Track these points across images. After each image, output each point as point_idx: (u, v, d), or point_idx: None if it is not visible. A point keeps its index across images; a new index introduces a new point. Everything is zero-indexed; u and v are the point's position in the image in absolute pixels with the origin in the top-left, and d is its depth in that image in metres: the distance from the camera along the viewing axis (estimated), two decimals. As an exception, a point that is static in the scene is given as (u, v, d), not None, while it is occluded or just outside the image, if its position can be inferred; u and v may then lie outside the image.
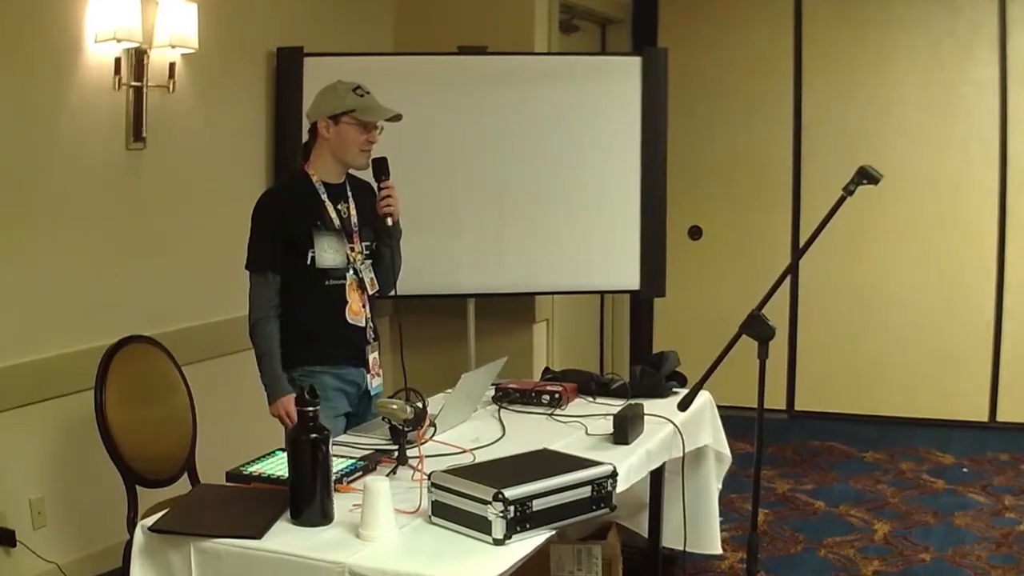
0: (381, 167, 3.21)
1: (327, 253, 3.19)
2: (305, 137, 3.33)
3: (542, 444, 2.70)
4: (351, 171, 3.30)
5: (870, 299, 6.24)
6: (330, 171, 3.24)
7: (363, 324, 3.28)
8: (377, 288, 3.34)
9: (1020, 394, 6.01)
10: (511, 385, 3.38)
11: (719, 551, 3.74)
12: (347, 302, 3.24)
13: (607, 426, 2.99)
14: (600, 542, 3.45)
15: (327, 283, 3.20)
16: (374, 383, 3.33)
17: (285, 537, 2.21)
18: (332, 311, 3.22)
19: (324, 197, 3.21)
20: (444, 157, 4.81)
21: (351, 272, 3.24)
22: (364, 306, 3.29)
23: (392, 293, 3.40)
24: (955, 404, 6.10)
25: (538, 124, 4.87)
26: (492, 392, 3.37)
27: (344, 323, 3.24)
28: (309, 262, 3.17)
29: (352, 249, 3.24)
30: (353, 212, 3.27)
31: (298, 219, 3.17)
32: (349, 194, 3.29)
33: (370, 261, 3.32)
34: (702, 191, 6.42)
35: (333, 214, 3.21)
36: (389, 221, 3.23)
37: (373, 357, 3.32)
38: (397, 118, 3.21)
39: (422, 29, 5.46)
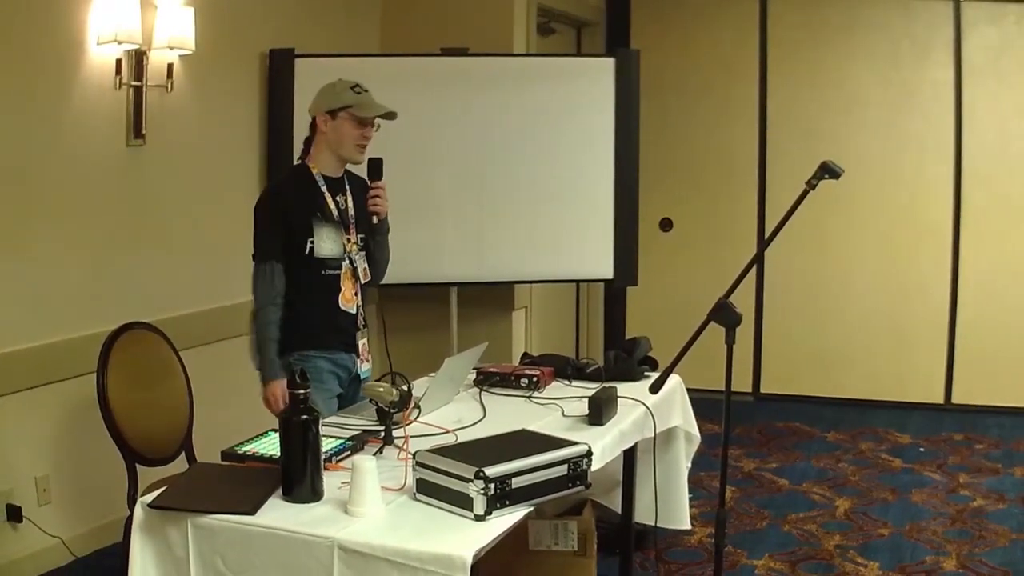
0: (376, 168, 3.27)
1: (325, 243, 3.22)
2: (299, 133, 3.38)
3: (521, 425, 2.73)
4: (348, 166, 3.35)
5: (832, 287, 6.33)
6: (329, 164, 3.28)
7: (354, 311, 3.34)
8: (369, 278, 3.39)
9: (974, 377, 6.13)
10: (491, 369, 3.42)
11: (688, 526, 3.84)
12: (341, 290, 3.27)
13: (582, 408, 3.03)
14: (576, 518, 3.47)
15: (324, 272, 3.24)
16: (363, 367, 3.37)
17: (277, 513, 2.24)
18: (327, 299, 3.26)
19: (324, 189, 3.25)
20: (428, 153, 4.87)
21: (347, 262, 3.28)
22: (356, 294, 3.34)
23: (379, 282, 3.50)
24: (912, 387, 6.23)
25: (517, 122, 4.95)
26: (473, 376, 3.41)
27: (337, 310, 3.27)
28: (308, 251, 3.20)
29: (349, 240, 3.29)
30: (350, 204, 3.32)
31: (299, 210, 3.20)
32: (347, 187, 3.34)
33: (363, 252, 3.37)
34: (672, 185, 6.48)
35: (332, 206, 3.25)
36: (375, 219, 3.29)
37: (363, 343, 3.38)
38: (391, 116, 3.26)
39: (406, 31, 5.51)
